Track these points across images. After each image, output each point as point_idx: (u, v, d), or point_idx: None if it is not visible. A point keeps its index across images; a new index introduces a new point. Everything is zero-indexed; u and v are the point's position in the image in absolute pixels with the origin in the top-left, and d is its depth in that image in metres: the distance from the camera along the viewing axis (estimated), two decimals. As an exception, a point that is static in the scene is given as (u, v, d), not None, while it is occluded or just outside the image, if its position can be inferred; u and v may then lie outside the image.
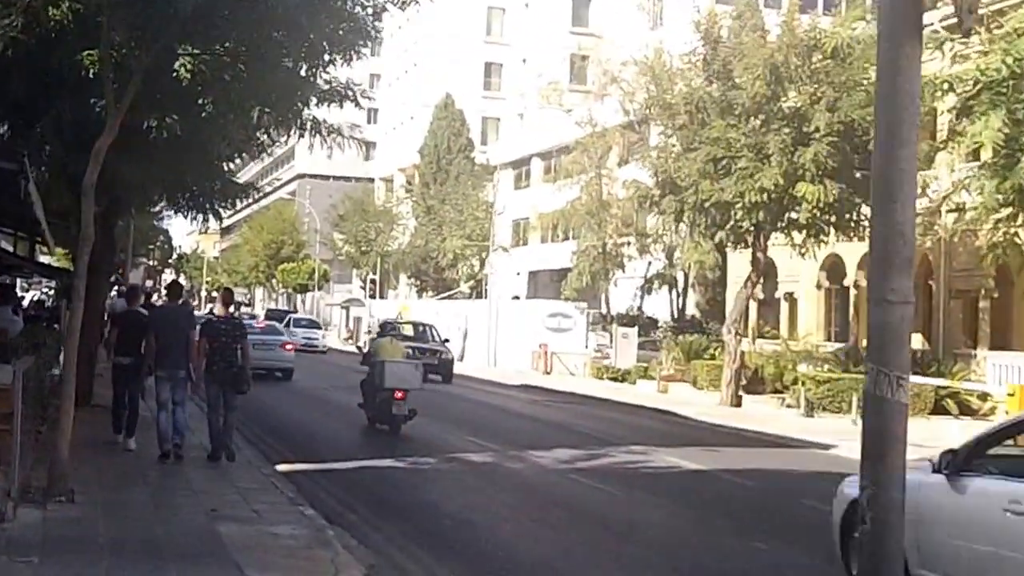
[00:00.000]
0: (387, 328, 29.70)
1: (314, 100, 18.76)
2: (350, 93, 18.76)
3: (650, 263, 61.06)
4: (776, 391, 41.33)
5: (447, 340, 51.60)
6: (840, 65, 36.22)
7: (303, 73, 17.46)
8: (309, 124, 19.71)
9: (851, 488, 11.04)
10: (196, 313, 27.43)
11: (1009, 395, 31.11)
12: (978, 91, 25.49)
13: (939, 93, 27.07)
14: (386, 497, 17.35)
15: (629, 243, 59.91)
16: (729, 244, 41.29)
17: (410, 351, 45.22)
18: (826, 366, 41.24)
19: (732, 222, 38.55)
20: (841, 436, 27.73)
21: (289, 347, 41.98)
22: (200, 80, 15.29)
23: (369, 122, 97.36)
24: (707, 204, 37.62)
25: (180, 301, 20.96)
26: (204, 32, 15.24)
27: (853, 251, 43.55)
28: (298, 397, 34.81)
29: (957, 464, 10.64)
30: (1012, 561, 9.68)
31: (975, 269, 38.93)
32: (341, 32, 16.76)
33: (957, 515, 10.57)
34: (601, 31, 71.40)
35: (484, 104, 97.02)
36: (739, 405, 39.23)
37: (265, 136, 22.51)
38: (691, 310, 61.69)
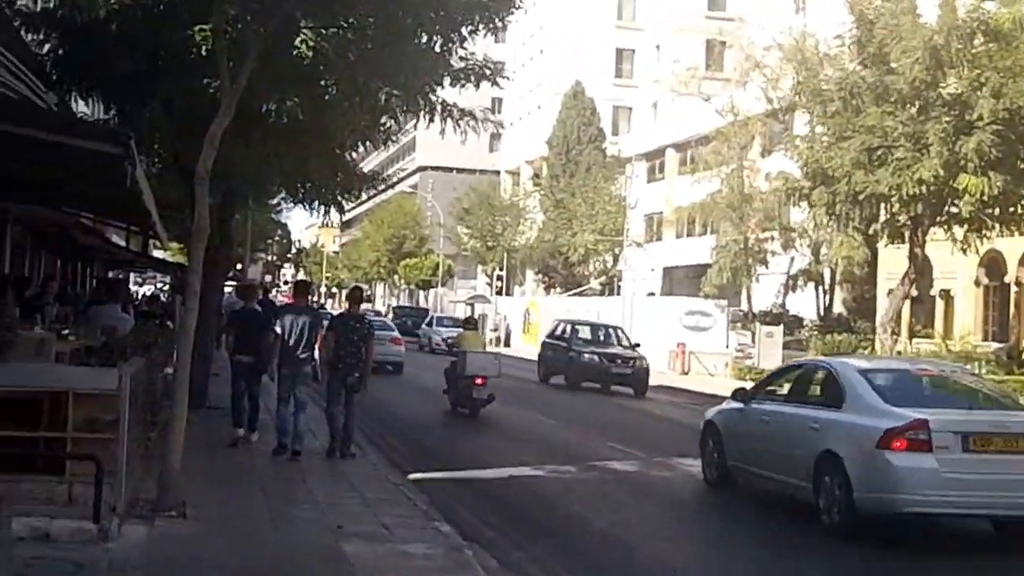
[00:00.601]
0: (470, 322, 33.23)
1: (447, 80, 17.82)
2: (488, 71, 17.86)
3: (793, 259, 59.74)
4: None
5: (638, 344, 45.95)
6: (1005, 48, 34.92)
7: (437, 49, 16.35)
8: (439, 107, 18.78)
9: (709, 413, 19.59)
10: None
11: None
12: None
13: None
14: (526, 510, 16.45)
15: (772, 238, 58.62)
16: (883, 239, 39.76)
17: (596, 358, 42.37)
18: (986, 367, 39.65)
19: (888, 215, 37.32)
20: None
21: (399, 341, 44.45)
22: (322, 58, 14.56)
23: (493, 112, 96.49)
24: (861, 196, 36.42)
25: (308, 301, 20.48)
26: (327, 3, 14.30)
27: (1014, 246, 42.22)
28: (428, 398, 33.93)
29: (745, 397, 18.31)
30: (767, 450, 16.99)
31: None
32: None
33: (743, 426, 17.94)
34: (739, 15, 69.81)
35: (615, 92, 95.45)
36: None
37: (391, 122, 21.46)
38: (838, 308, 60.17)
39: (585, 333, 45.61)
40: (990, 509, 14.33)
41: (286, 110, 16.07)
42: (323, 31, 14.56)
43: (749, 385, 20.96)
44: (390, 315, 75.95)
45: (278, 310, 20.76)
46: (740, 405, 18.18)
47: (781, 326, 53.22)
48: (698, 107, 66.52)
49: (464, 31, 16.21)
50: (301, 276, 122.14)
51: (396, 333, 45.48)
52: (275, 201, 41.48)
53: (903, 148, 34.87)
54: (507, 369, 31.69)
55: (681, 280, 75.08)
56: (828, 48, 41.06)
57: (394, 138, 25.44)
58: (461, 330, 33.77)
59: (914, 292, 44.24)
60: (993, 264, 45.79)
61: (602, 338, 45.37)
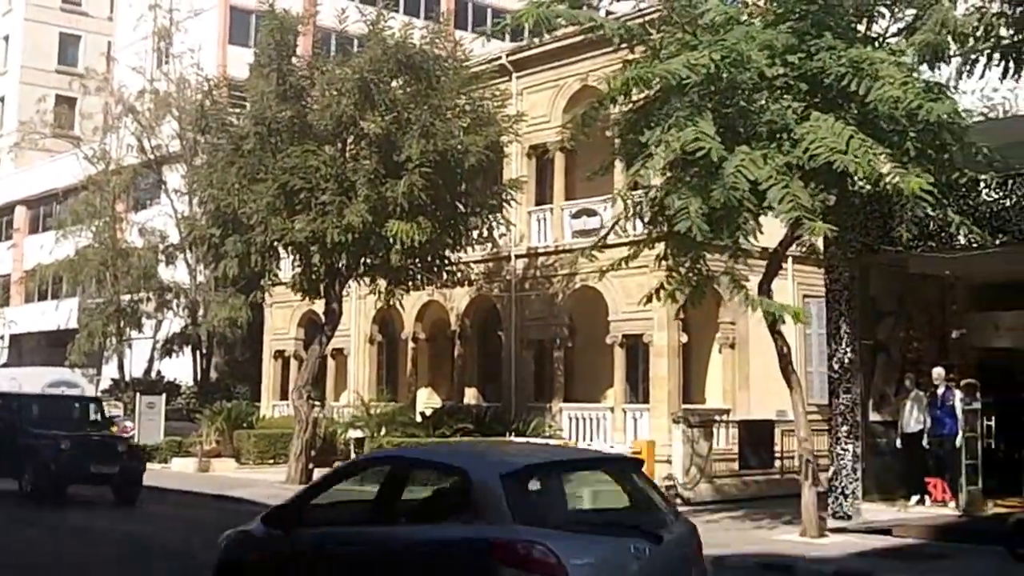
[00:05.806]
0: None
1: None
2: None
3: (161, 321, 53.25)
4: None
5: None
6: (432, 88, 31.49)
7: None
8: None
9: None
10: None
11: (635, 452, 27.69)
12: (663, 96, 19.91)
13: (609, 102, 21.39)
14: None
15: (149, 298, 51.87)
16: (301, 292, 34.27)
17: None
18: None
19: (303, 267, 32.42)
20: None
21: None
22: None
23: None
24: (278, 244, 31.33)
25: None
26: None
27: (410, 302, 38.29)
28: None
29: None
30: None
31: (549, 318, 35.92)
32: None
33: None
34: (96, 65, 62.65)
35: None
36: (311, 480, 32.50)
37: None
38: (213, 373, 54.19)
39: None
40: None
41: None
42: None
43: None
44: None
45: None
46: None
47: (163, 395, 46.38)
48: (52, 163, 59.22)
49: None
50: None
51: None
52: None
53: (329, 191, 30.01)
54: None
55: (32, 349, 66.90)
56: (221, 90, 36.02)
57: None
58: None
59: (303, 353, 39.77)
60: (386, 320, 41.96)
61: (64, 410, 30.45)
